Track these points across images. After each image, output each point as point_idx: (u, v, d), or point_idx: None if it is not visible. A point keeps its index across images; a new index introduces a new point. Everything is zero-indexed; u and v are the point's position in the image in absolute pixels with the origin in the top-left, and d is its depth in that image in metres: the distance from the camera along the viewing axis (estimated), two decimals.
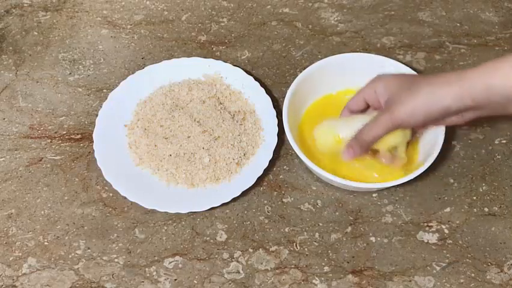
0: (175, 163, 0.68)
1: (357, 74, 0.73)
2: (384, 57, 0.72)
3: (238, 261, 0.63)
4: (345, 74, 0.73)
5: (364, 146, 0.62)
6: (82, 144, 0.72)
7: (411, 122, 0.60)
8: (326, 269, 0.62)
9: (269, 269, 0.63)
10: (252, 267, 0.63)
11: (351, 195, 0.68)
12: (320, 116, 0.71)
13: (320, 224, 0.66)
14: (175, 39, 0.82)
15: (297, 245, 0.64)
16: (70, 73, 0.79)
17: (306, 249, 0.64)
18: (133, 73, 0.75)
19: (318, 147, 0.66)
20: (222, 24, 0.83)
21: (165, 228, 0.65)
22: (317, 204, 0.67)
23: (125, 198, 0.65)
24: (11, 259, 0.63)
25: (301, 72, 0.70)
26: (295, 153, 0.64)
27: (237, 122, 0.71)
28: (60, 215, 0.66)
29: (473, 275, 0.62)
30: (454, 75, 0.57)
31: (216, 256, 0.63)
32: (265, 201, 0.67)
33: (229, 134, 0.69)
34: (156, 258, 0.63)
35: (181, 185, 0.67)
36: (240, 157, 0.68)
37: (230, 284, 0.62)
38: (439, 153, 0.64)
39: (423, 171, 0.63)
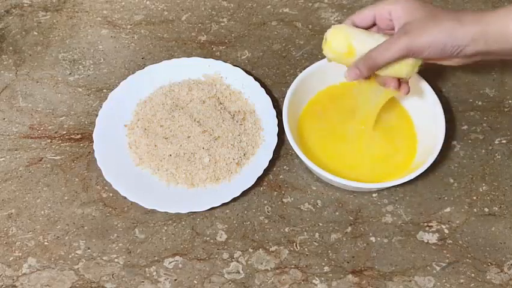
0: (175, 163, 0.68)
1: None
2: None
3: (238, 261, 0.63)
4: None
5: (372, 68, 0.59)
6: (82, 144, 0.72)
7: (426, 52, 0.57)
8: (326, 269, 0.62)
9: (269, 269, 0.63)
10: (252, 267, 0.63)
11: (351, 195, 0.68)
12: (320, 115, 0.71)
13: (320, 224, 0.66)
14: (175, 39, 0.82)
15: (297, 245, 0.64)
16: (70, 73, 0.79)
17: (306, 249, 0.64)
18: (133, 73, 0.75)
19: (326, 50, 0.60)
20: (222, 24, 0.83)
21: (165, 228, 0.65)
22: (317, 204, 0.67)
23: (125, 198, 0.65)
24: (11, 259, 0.63)
25: (301, 72, 0.70)
26: (295, 153, 0.64)
27: (237, 122, 0.71)
28: (60, 215, 0.66)
29: (473, 275, 0.62)
30: (472, 16, 0.55)
31: (216, 256, 0.63)
32: (265, 201, 0.67)
33: (229, 134, 0.69)
34: (156, 258, 0.63)
35: (181, 185, 0.67)
36: (240, 157, 0.68)
37: (230, 284, 0.62)
38: (439, 153, 0.64)
39: (423, 171, 0.63)
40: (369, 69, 0.58)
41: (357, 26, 0.61)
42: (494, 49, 0.56)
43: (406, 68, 0.59)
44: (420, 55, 0.57)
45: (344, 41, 0.59)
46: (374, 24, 0.62)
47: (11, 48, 0.81)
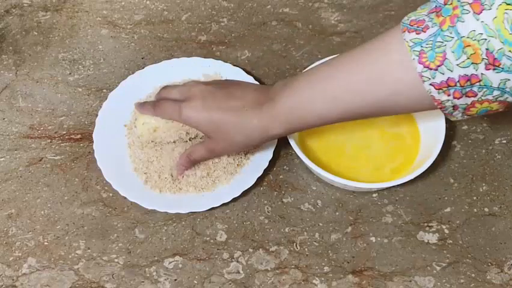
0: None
1: None
2: None
3: (238, 261, 0.63)
4: None
5: (192, 165, 0.67)
6: (81, 144, 0.72)
7: (231, 152, 0.67)
8: (326, 269, 0.62)
9: (269, 269, 0.62)
10: (252, 267, 0.63)
11: (351, 195, 0.68)
12: None
13: (320, 224, 0.66)
14: (175, 39, 0.82)
15: (297, 245, 0.64)
16: (70, 73, 0.78)
17: (306, 249, 0.64)
18: (133, 73, 0.75)
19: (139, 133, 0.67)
20: (222, 24, 0.83)
21: (165, 228, 0.65)
22: (317, 204, 0.67)
23: (125, 198, 0.65)
24: (11, 259, 0.63)
25: (301, 72, 0.70)
26: (295, 153, 0.64)
27: None
28: (60, 215, 0.66)
29: (473, 275, 0.62)
30: (259, 120, 0.59)
31: (216, 256, 0.63)
32: (265, 201, 0.67)
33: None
34: (156, 258, 0.63)
35: (181, 185, 0.67)
36: (240, 157, 0.68)
37: (230, 284, 0.62)
38: (439, 153, 0.64)
39: (423, 171, 0.63)
40: (190, 166, 0.66)
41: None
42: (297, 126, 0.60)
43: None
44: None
45: (148, 132, 0.65)
46: None
47: (11, 48, 0.81)
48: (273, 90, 0.60)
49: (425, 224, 0.65)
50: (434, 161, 0.63)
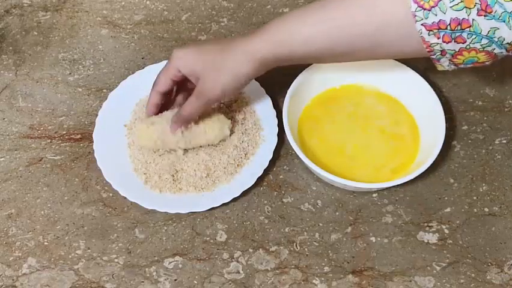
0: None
1: (358, 73, 0.73)
2: None
3: (238, 261, 0.63)
4: (346, 74, 0.73)
5: (187, 123, 0.64)
6: (81, 144, 0.72)
7: (225, 98, 0.64)
8: (326, 269, 0.62)
9: (269, 269, 0.62)
10: (252, 267, 0.63)
11: (351, 195, 0.68)
12: (320, 115, 0.71)
13: (320, 224, 0.66)
14: (175, 39, 0.82)
15: (297, 245, 0.64)
16: (70, 73, 0.78)
17: (306, 249, 0.64)
18: (133, 73, 0.75)
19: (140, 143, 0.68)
20: (222, 24, 0.83)
21: (165, 228, 0.65)
22: (317, 204, 0.67)
23: (125, 198, 0.65)
24: (11, 259, 0.63)
25: (301, 72, 0.70)
26: (295, 153, 0.64)
27: (237, 122, 0.71)
28: (60, 215, 0.66)
29: (473, 275, 0.62)
30: (245, 45, 0.59)
31: (216, 256, 0.63)
32: (265, 201, 0.67)
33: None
34: (156, 258, 0.63)
35: (181, 185, 0.67)
36: (240, 157, 0.68)
37: (230, 284, 0.62)
38: (439, 153, 0.64)
39: (423, 171, 0.63)
40: (183, 123, 0.64)
41: (162, 93, 0.65)
42: (285, 57, 0.59)
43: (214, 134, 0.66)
44: (221, 100, 0.66)
45: (150, 140, 0.66)
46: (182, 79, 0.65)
47: (11, 48, 0.81)
48: (264, 25, 0.60)
49: (425, 224, 0.65)
50: (434, 161, 0.64)
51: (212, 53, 0.60)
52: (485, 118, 0.74)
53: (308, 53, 0.58)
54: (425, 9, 0.49)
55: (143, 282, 0.62)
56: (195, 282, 0.62)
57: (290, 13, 0.59)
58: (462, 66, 0.53)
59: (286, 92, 0.69)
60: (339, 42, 0.56)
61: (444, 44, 0.50)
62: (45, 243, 0.64)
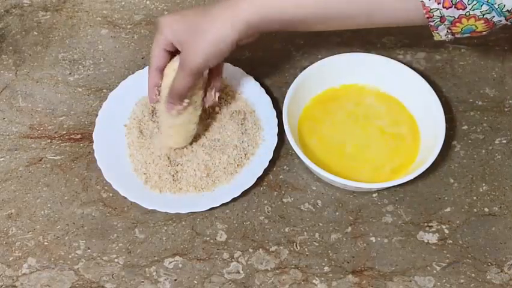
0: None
1: (358, 73, 0.73)
2: (384, 56, 0.72)
3: (238, 261, 0.63)
4: (345, 74, 0.73)
5: (178, 98, 0.61)
6: (81, 144, 0.72)
7: (208, 66, 0.59)
8: (326, 269, 0.62)
9: (269, 269, 0.62)
10: (252, 267, 0.63)
11: (351, 195, 0.68)
12: (320, 115, 0.71)
13: (320, 224, 0.66)
14: None
15: (297, 245, 0.64)
16: (70, 73, 0.78)
17: (306, 249, 0.64)
18: (133, 73, 0.75)
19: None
20: None
21: (165, 228, 0.65)
22: (317, 204, 0.67)
23: (125, 198, 0.65)
24: (11, 259, 0.63)
25: (301, 72, 0.70)
26: (295, 153, 0.64)
27: (237, 122, 0.71)
28: (60, 215, 0.66)
29: (473, 275, 0.62)
30: (228, 5, 0.56)
31: (216, 256, 0.63)
32: (265, 201, 0.67)
33: (229, 134, 0.69)
34: (156, 258, 0.63)
35: (181, 185, 0.67)
36: (240, 157, 0.68)
37: (230, 284, 0.62)
38: (439, 153, 0.64)
39: (424, 171, 0.63)
40: (176, 100, 0.61)
41: (162, 69, 0.62)
42: (266, 28, 0.57)
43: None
44: (206, 68, 0.60)
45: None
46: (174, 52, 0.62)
47: (11, 48, 0.81)
48: None
49: (425, 224, 0.65)
50: (434, 161, 0.63)
51: (195, 17, 0.58)
52: (485, 118, 0.74)
53: (299, 15, 0.55)
54: None
55: (143, 282, 0.62)
56: (195, 282, 0.62)
57: None
58: (459, 35, 0.53)
59: (286, 92, 0.69)
60: (333, 4, 0.54)
61: (444, 9, 0.50)
62: (45, 243, 0.64)
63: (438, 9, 0.50)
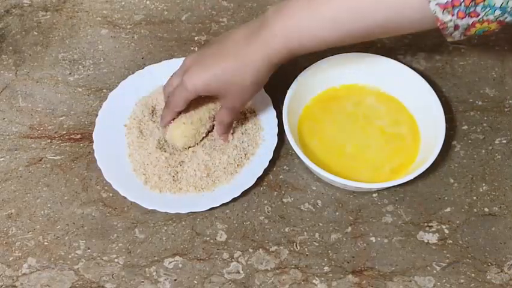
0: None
1: (358, 73, 0.73)
2: (384, 56, 0.72)
3: (238, 261, 0.63)
4: (346, 74, 0.73)
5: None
6: (81, 144, 0.72)
7: (249, 97, 0.64)
8: (326, 269, 0.62)
9: (269, 269, 0.62)
10: (252, 267, 0.63)
11: (351, 195, 0.68)
12: (320, 115, 0.71)
13: (320, 224, 0.66)
14: (175, 39, 0.82)
15: (297, 245, 0.64)
16: (70, 73, 0.78)
17: (306, 249, 0.64)
18: (133, 73, 0.75)
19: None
20: (222, 24, 0.83)
21: (165, 228, 0.65)
22: (317, 204, 0.67)
23: (125, 198, 0.65)
24: (11, 259, 0.63)
25: (301, 72, 0.70)
26: (295, 153, 0.64)
27: (237, 122, 0.71)
28: (60, 215, 0.66)
29: (473, 275, 0.62)
30: (259, 50, 0.58)
31: (216, 256, 0.63)
32: (265, 201, 0.67)
33: (229, 134, 0.69)
34: (156, 258, 0.63)
35: (181, 185, 0.67)
36: (240, 157, 0.68)
37: (230, 284, 0.62)
38: (439, 153, 0.64)
39: (423, 171, 0.63)
40: (225, 130, 0.67)
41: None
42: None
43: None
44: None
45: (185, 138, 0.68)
46: None
47: (11, 48, 0.81)
48: (265, 19, 0.59)
49: (425, 224, 0.65)
50: (434, 161, 0.63)
51: (227, 71, 0.60)
52: (485, 118, 0.74)
53: (322, 47, 0.58)
54: None
55: (143, 282, 0.62)
56: (195, 282, 0.62)
57: (294, 6, 0.57)
58: (474, 35, 0.54)
59: (286, 92, 0.69)
60: (351, 35, 0.56)
61: (459, 19, 0.51)
62: (45, 243, 0.64)
63: (452, 20, 0.51)
